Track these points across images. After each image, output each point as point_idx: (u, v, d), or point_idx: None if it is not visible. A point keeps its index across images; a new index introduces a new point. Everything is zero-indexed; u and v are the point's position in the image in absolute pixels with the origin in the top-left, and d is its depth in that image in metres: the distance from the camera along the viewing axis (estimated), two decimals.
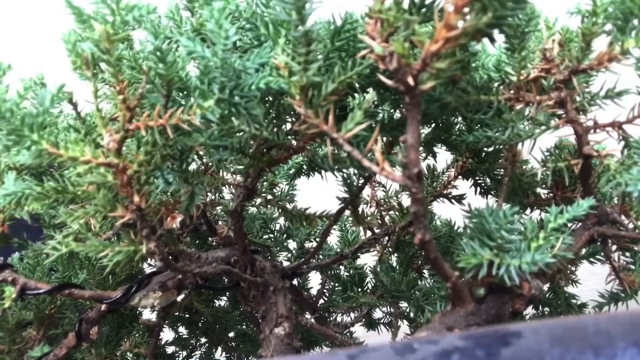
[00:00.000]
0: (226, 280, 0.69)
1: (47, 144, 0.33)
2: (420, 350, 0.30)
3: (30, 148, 0.33)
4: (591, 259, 0.51)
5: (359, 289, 0.74)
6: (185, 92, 0.36)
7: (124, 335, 0.70)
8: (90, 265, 0.66)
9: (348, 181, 0.58)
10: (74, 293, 0.53)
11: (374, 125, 0.38)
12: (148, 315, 0.74)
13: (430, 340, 0.32)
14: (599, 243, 0.44)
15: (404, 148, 0.33)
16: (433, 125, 0.49)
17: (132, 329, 0.68)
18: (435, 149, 0.53)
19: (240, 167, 0.42)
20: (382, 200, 0.69)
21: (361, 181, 0.59)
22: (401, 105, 0.44)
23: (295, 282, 0.72)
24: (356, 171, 0.57)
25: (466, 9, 0.30)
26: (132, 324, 0.71)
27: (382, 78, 0.33)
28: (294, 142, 0.41)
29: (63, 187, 0.38)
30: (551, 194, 0.50)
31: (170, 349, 0.80)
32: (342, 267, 0.76)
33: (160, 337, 0.72)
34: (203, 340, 0.83)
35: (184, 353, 0.81)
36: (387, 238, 0.69)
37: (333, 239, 0.75)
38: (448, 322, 0.39)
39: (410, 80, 0.32)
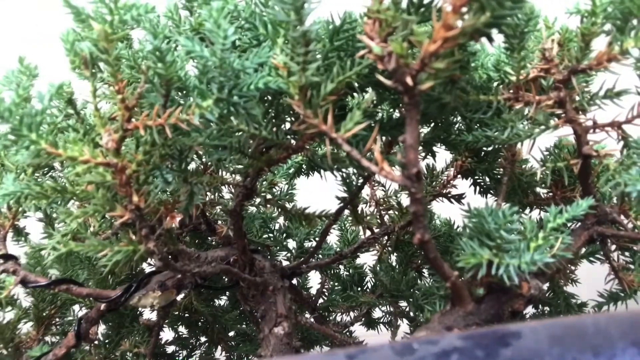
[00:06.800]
0: (226, 279, 0.70)
1: (45, 143, 0.33)
2: (419, 351, 0.30)
3: (29, 147, 0.33)
4: (590, 259, 0.51)
5: (359, 289, 0.74)
6: (184, 92, 0.36)
7: (124, 335, 0.70)
8: (90, 265, 0.66)
9: (347, 181, 0.58)
10: (72, 289, 0.53)
11: (373, 125, 0.38)
12: (148, 314, 0.74)
13: (430, 341, 0.32)
14: (598, 243, 0.44)
15: (402, 148, 0.33)
16: (432, 124, 0.49)
17: (132, 328, 0.68)
18: (434, 148, 0.53)
19: (240, 166, 0.42)
20: (382, 200, 0.69)
21: (360, 181, 0.59)
22: (400, 105, 0.44)
23: (294, 281, 0.72)
24: (355, 171, 0.57)
25: (464, 9, 0.30)
26: (132, 323, 0.71)
27: (381, 78, 0.33)
28: (293, 142, 0.41)
29: (62, 186, 0.38)
30: (551, 194, 0.50)
31: (170, 349, 0.80)
32: (341, 267, 0.76)
33: (160, 337, 0.72)
34: (203, 339, 0.83)
35: (184, 352, 0.81)
36: (386, 237, 0.69)
37: (333, 238, 0.75)
38: (447, 322, 0.39)
39: (409, 80, 0.32)
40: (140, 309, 0.70)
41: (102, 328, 0.70)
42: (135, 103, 0.35)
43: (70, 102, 0.41)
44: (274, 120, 0.39)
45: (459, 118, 0.47)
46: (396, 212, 0.68)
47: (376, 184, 0.71)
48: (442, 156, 0.59)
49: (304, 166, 0.65)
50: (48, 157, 0.34)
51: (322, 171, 0.53)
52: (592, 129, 0.41)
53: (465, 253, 0.38)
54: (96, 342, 0.67)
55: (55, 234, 0.44)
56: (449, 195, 0.65)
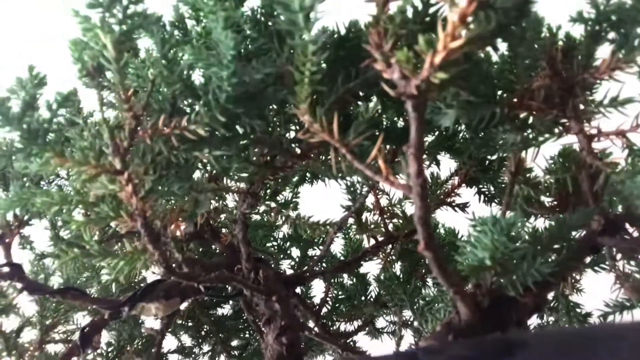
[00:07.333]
0: (229, 288, 0.69)
1: (52, 152, 0.33)
2: None
3: (37, 155, 0.34)
4: (596, 268, 0.51)
5: (363, 298, 0.73)
6: (190, 101, 0.36)
7: (127, 344, 0.70)
8: (94, 272, 0.66)
9: (352, 189, 0.58)
10: (77, 297, 0.53)
11: (377, 133, 0.38)
12: (151, 323, 0.73)
13: (435, 350, 0.32)
14: (603, 252, 0.44)
15: (407, 156, 0.33)
16: (437, 133, 0.49)
17: (135, 337, 0.68)
18: (438, 156, 0.54)
19: (245, 175, 0.42)
20: (386, 208, 0.69)
21: (365, 189, 0.59)
22: (405, 114, 0.44)
23: (298, 290, 0.71)
24: (360, 179, 0.57)
25: (470, 18, 0.31)
26: (134, 332, 0.71)
27: (386, 87, 0.33)
28: (298, 150, 0.41)
29: (68, 194, 0.38)
30: (555, 203, 0.50)
31: (173, 357, 0.80)
32: (345, 276, 0.76)
33: (162, 346, 0.72)
34: (206, 348, 0.82)
35: None
36: (390, 246, 0.69)
37: (337, 247, 0.75)
38: (452, 331, 0.39)
39: (414, 90, 0.32)
40: (142, 317, 0.70)
41: (105, 336, 0.70)
42: (142, 112, 0.35)
43: (77, 111, 0.41)
44: (279, 129, 0.40)
45: (463, 126, 0.47)
46: (400, 221, 0.68)
47: (380, 193, 0.71)
48: (447, 165, 0.59)
49: (307, 174, 0.66)
50: (56, 165, 0.34)
51: (326, 179, 0.53)
52: (597, 137, 0.41)
53: (469, 262, 0.38)
54: (99, 350, 0.67)
55: (60, 242, 0.44)
56: (454, 203, 0.65)
